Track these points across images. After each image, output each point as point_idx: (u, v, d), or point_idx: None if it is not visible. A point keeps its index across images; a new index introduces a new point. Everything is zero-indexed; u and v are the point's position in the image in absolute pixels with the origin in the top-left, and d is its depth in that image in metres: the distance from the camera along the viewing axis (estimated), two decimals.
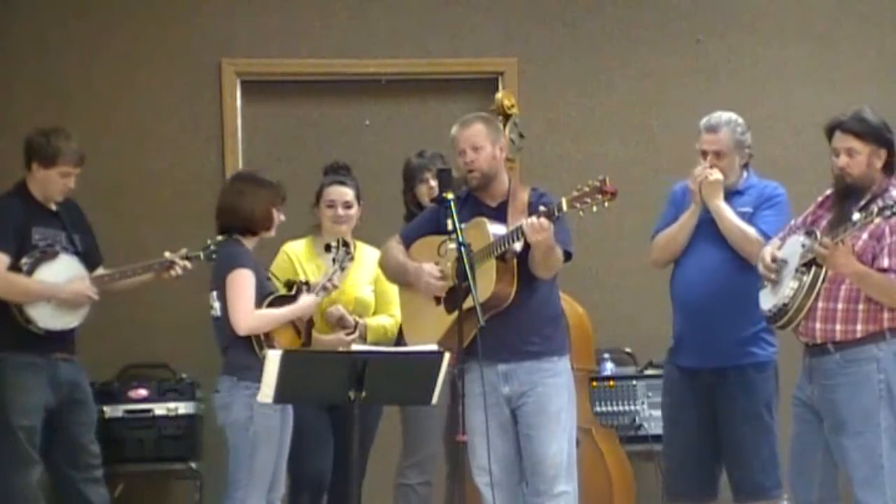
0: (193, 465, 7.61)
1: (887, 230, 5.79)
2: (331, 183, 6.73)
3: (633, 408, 7.55)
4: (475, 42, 8.15)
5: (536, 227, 5.70)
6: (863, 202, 5.79)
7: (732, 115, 6.48)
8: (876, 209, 5.58)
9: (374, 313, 6.72)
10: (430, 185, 6.83)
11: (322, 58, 8.08)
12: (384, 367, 5.61)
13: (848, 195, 5.86)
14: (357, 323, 6.60)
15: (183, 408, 7.55)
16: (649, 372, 7.72)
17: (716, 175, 6.35)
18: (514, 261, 5.85)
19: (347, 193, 6.70)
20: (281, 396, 5.61)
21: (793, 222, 6.12)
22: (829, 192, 6.04)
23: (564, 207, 5.67)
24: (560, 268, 5.89)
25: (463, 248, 6.11)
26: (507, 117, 7.16)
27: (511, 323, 5.86)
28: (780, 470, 6.32)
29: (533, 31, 8.19)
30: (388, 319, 6.70)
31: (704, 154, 6.42)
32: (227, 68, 8.01)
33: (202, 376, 7.73)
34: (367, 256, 6.68)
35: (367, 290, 6.69)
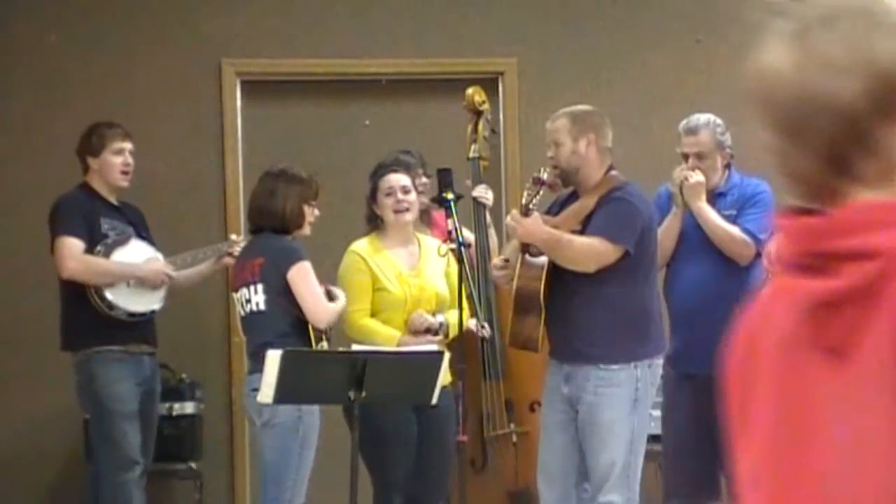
0: (193, 465, 7.61)
1: None
2: (383, 174, 6.51)
3: None
4: (475, 42, 8.15)
5: (511, 222, 5.77)
6: None
7: (711, 116, 6.47)
8: None
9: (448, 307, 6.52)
10: (421, 182, 6.81)
11: (322, 58, 8.07)
12: (384, 367, 5.62)
13: None
14: (441, 324, 6.40)
15: (183, 408, 7.54)
16: None
17: (696, 177, 6.34)
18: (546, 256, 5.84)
19: (403, 178, 6.47)
20: (281, 396, 5.61)
21: None
22: None
23: (524, 200, 5.73)
24: (595, 260, 5.75)
25: (462, 249, 6.15)
26: (478, 114, 7.14)
27: (568, 321, 5.83)
28: None
29: (533, 31, 8.18)
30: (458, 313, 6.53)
31: (686, 157, 6.43)
32: (227, 68, 8.00)
33: (202, 376, 7.74)
34: (433, 249, 6.52)
35: (442, 283, 6.50)
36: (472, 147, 7.10)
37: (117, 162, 6.75)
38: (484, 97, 7.15)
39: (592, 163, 5.92)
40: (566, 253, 5.74)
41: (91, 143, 6.76)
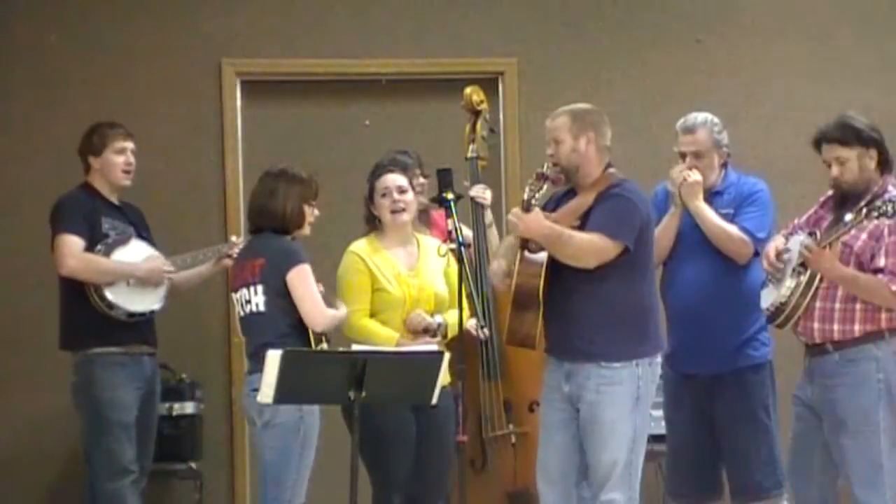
0: (193, 465, 7.61)
1: (886, 231, 5.81)
2: (380, 174, 6.52)
3: None
4: (475, 42, 8.15)
5: (512, 217, 5.78)
6: (862, 203, 5.80)
7: (708, 116, 6.49)
8: (865, 210, 5.61)
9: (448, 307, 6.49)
10: (418, 182, 6.81)
11: (322, 58, 8.07)
12: (384, 367, 5.61)
13: (846, 200, 5.87)
14: (439, 324, 6.39)
15: (183, 408, 7.54)
16: None
17: (695, 176, 6.36)
18: (545, 252, 5.83)
19: (398, 179, 6.46)
20: (281, 396, 5.61)
21: (796, 221, 6.14)
22: (830, 192, 6.06)
23: (525, 196, 5.74)
24: (595, 256, 5.76)
25: (462, 249, 6.15)
26: (476, 114, 7.13)
27: (569, 318, 5.83)
28: (780, 470, 6.33)
29: (533, 31, 8.18)
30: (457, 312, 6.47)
31: (683, 156, 6.44)
32: (227, 68, 8.00)
33: (202, 376, 7.74)
34: (432, 250, 6.53)
35: (441, 283, 6.49)
36: (471, 147, 7.09)
37: (119, 161, 6.76)
38: (482, 97, 7.14)
39: (592, 161, 5.93)
40: (567, 249, 5.75)
41: (93, 143, 6.77)
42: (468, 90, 7.12)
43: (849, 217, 5.67)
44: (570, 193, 5.99)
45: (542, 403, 6.04)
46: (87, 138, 6.80)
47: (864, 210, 5.63)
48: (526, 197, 5.76)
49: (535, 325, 5.84)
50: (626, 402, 5.79)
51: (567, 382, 5.87)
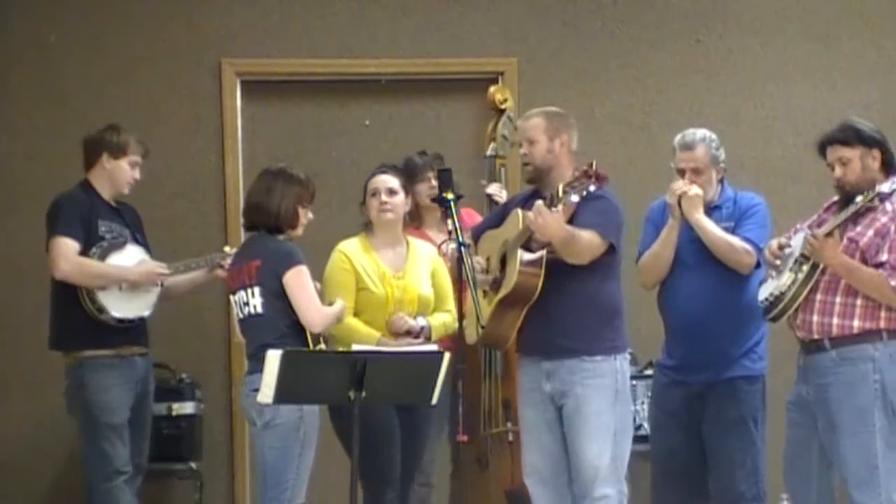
0: (193, 465, 7.61)
1: (893, 228, 5.82)
2: (372, 175, 6.57)
3: (633, 408, 7.53)
4: (475, 42, 8.15)
5: (533, 214, 5.76)
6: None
7: (706, 132, 6.51)
8: (870, 194, 5.64)
9: (433, 310, 6.56)
10: (431, 185, 6.85)
11: (322, 58, 8.08)
12: (384, 367, 5.61)
13: (850, 202, 5.88)
14: (422, 328, 6.43)
15: (183, 408, 7.55)
16: (649, 372, 7.71)
17: (695, 189, 6.37)
18: (544, 251, 5.84)
19: (389, 180, 6.52)
20: (281, 396, 5.61)
21: (799, 225, 6.15)
22: (835, 198, 6.07)
23: (560, 193, 5.73)
24: (591, 254, 5.83)
25: (462, 249, 6.16)
26: (500, 112, 7.16)
27: (551, 317, 5.86)
28: (763, 484, 6.37)
29: (533, 31, 8.19)
30: (446, 315, 6.55)
31: (681, 172, 6.44)
32: (227, 68, 8.01)
33: (202, 376, 7.74)
34: (421, 252, 6.59)
35: (426, 286, 6.54)
36: (491, 145, 7.14)
37: (128, 173, 6.76)
38: (506, 95, 7.18)
39: (564, 163, 6.01)
40: (575, 248, 5.81)
41: (114, 143, 6.74)
42: (492, 89, 7.20)
43: (859, 198, 5.70)
44: (535, 195, 6.01)
45: (521, 406, 6.05)
46: (109, 136, 6.76)
47: (870, 195, 5.66)
48: (560, 194, 5.73)
49: (514, 326, 5.90)
50: (609, 395, 5.89)
51: (548, 381, 5.91)
